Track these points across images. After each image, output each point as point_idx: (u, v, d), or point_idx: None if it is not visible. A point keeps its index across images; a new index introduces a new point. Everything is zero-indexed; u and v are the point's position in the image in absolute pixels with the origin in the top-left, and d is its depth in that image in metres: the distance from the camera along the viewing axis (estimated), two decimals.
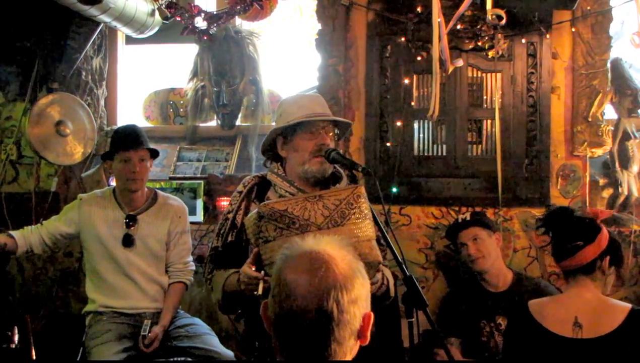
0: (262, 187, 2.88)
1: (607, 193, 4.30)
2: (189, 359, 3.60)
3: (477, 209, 3.89)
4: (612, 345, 2.51)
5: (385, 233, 2.48)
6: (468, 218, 3.73)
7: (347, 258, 1.56)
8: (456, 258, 4.06)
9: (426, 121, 4.35)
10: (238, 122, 5.01)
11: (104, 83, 5.23)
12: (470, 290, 3.77)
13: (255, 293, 2.46)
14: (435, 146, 4.39)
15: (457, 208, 4.33)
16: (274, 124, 4.66)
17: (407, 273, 2.28)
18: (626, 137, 4.23)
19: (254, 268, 2.52)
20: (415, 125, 4.39)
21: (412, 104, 4.37)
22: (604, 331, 2.54)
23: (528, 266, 4.21)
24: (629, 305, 2.61)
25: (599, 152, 4.27)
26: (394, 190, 4.27)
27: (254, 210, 2.59)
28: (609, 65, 4.23)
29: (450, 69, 3.90)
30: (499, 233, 3.77)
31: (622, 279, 3.91)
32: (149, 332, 3.61)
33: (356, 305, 1.51)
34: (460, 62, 3.97)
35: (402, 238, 4.02)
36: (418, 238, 4.33)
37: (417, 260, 4.30)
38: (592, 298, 2.64)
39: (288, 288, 1.50)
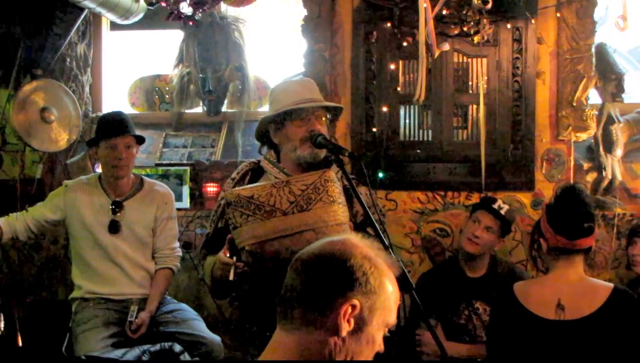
0: (255, 173, 2.90)
1: (591, 177, 4.30)
2: (176, 344, 3.57)
3: (507, 206, 3.80)
4: (595, 325, 2.56)
5: (372, 218, 2.45)
6: (504, 212, 3.69)
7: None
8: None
9: (412, 106, 4.34)
10: (224, 109, 5.00)
11: (89, 69, 5.19)
12: (450, 272, 3.79)
13: (230, 278, 2.51)
14: (421, 131, 4.37)
15: (442, 193, 4.34)
16: (260, 110, 4.87)
17: (394, 257, 2.26)
18: (610, 121, 4.20)
19: (228, 254, 2.56)
20: (401, 111, 4.38)
21: (398, 89, 4.35)
22: (586, 312, 2.59)
23: (513, 249, 4.23)
24: (611, 285, 2.66)
25: (583, 136, 4.26)
26: (380, 175, 4.27)
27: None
28: (593, 50, 4.21)
29: (437, 53, 3.88)
30: (503, 241, 3.77)
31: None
32: (136, 317, 3.61)
33: None
34: (446, 47, 3.96)
35: (388, 223, 3.86)
36: (404, 223, 4.33)
37: (403, 245, 4.31)
38: (576, 279, 2.68)
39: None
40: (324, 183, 2.57)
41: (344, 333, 1.48)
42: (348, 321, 1.48)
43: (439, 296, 3.64)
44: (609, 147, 4.23)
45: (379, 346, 1.55)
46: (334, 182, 2.61)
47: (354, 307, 1.48)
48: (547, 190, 4.23)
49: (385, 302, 1.53)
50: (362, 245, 1.56)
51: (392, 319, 1.57)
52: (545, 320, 2.61)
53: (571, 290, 2.64)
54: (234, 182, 2.87)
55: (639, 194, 4.31)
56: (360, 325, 1.50)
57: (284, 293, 1.54)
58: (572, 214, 2.70)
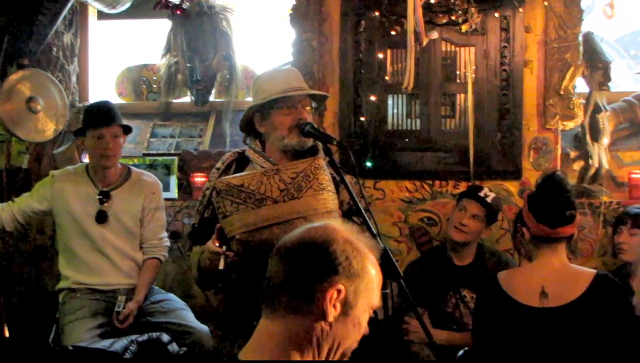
0: (240, 163, 2.88)
1: (577, 165, 4.31)
2: (164, 334, 3.56)
3: (493, 195, 3.80)
4: (578, 311, 2.57)
5: (360, 206, 2.46)
6: (490, 200, 3.70)
7: None
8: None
9: (400, 96, 4.34)
10: (212, 98, 4.99)
11: (76, 59, 5.17)
12: (438, 261, 3.81)
13: (220, 268, 2.48)
14: (409, 120, 4.37)
15: (430, 182, 4.34)
16: (248, 99, 4.83)
17: (382, 245, 2.24)
18: (597, 109, 4.23)
19: (217, 244, 2.54)
20: (389, 100, 4.37)
21: (386, 78, 4.34)
22: (569, 298, 2.60)
23: (500, 238, 4.22)
24: (593, 271, 2.69)
25: (570, 124, 4.27)
26: (368, 164, 4.26)
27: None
28: (580, 38, 4.22)
29: (425, 42, 3.88)
30: (490, 229, 3.79)
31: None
32: (123, 308, 3.60)
33: None
34: (434, 35, 3.98)
35: (376, 212, 3.86)
36: (392, 212, 4.33)
37: (390, 234, 4.31)
38: (559, 267, 2.71)
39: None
40: (314, 171, 2.56)
41: (330, 318, 1.49)
42: (334, 306, 1.49)
43: (426, 284, 3.64)
44: (596, 136, 4.25)
45: (365, 328, 1.57)
46: (324, 169, 2.60)
47: (339, 291, 1.50)
48: (534, 179, 4.06)
49: (368, 284, 1.55)
50: (342, 230, 1.58)
51: (376, 301, 1.58)
52: (529, 307, 2.63)
53: (554, 277, 2.66)
54: (219, 172, 2.85)
55: (625, 182, 4.33)
56: (346, 309, 1.51)
57: (268, 282, 1.55)
58: (552, 202, 2.72)
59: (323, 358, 1.53)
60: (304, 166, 2.58)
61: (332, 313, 1.50)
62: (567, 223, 2.72)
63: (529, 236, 2.78)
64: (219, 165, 2.90)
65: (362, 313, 1.55)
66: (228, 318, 2.77)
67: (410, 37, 3.72)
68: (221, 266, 2.49)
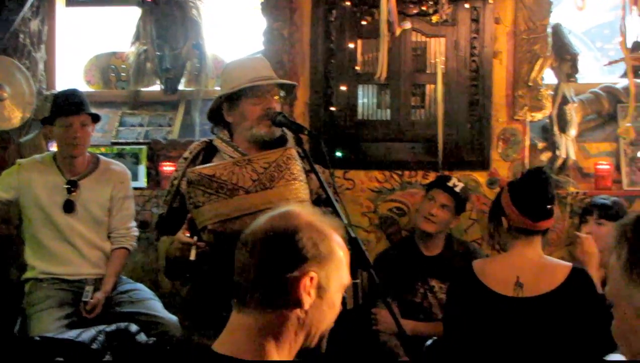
0: (208, 152, 2.87)
1: (545, 156, 4.33)
2: (132, 324, 3.55)
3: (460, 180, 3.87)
4: (553, 303, 2.60)
5: (331, 196, 2.45)
6: (458, 189, 3.73)
7: None
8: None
9: (370, 86, 4.33)
10: (181, 87, 4.95)
11: (43, 46, 5.07)
12: (407, 251, 3.81)
13: (189, 258, 2.49)
14: (379, 111, 4.36)
15: (400, 172, 4.33)
16: (217, 88, 4.61)
17: (353, 235, 2.28)
18: (565, 101, 4.25)
19: (188, 234, 2.54)
20: (360, 90, 4.36)
21: (357, 68, 4.32)
22: (545, 289, 2.63)
23: (468, 228, 4.25)
24: (569, 264, 2.72)
25: (538, 116, 4.27)
26: (338, 154, 4.26)
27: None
28: (549, 30, 4.23)
29: (398, 32, 3.89)
30: (458, 219, 3.82)
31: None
32: (91, 298, 3.59)
33: None
34: (408, 25, 4.00)
35: (345, 202, 3.88)
36: (361, 202, 4.33)
37: (360, 224, 4.29)
38: (535, 258, 2.73)
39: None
40: (286, 161, 2.57)
41: (306, 306, 1.49)
42: (309, 293, 1.49)
43: (395, 274, 3.66)
44: (564, 127, 4.27)
45: (339, 307, 1.59)
46: (296, 159, 2.61)
47: (312, 278, 1.50)
48: (502, 169, 4.26)
49: (338, 264, 1.56)
50: (304, 214, 1.57)
51: (346, 279, 1.59)
52: (504, 296, 2.65)
53: (530, 268, 2.68)
54: (186, 162, 2.84)
55: (591, 173, 4.35)
56: (320, 293, 1.52)
57: (238, 276, 1.54)
58: (538, 197, 2.74)
59: (299, 345, 1.53)
60: (276, 156, 2.59)
61: (308, 300, 1.50)
62: (548, 217, 2.75)
63: (507, 226, 2.78)
64: (186, 154, 2.88)
65: (336, 293, 1.56)
66: (197, 308, 2.77)
67: (383, 27, 3.72)
68: (192, 257, 2.49)
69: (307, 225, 1.54)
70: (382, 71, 3.87)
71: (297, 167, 2.60)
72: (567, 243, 4.14)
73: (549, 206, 2.74)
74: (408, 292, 3.70)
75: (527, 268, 2.68)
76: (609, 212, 3.61)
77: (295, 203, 2.46)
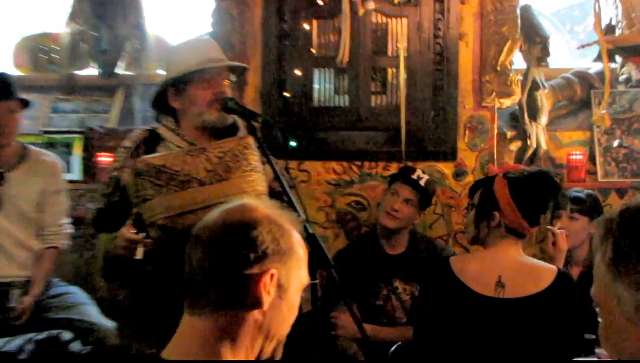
0: (151, 141, 2.81)
1: (515, 146, 4.33)
2: (65, 332, 3.42)
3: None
4: (536, 307, 2.58)
5: (287, 190, 2.46)
6: (423, 182, 3.67)
7: None
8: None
9: (327, 70, 4.29)
10: (120, 71, 4.87)
11: None
12: (367, 249, 3.77)
13: (134, 257, 2.45)
14: (336, 97, 4.32)
15: (359, 163, 4.28)
16: (160, 72, 4.67)
17: (310, 231, 2.24)
18: (535, 86, 4.26)
19: (133, 231, 2.50)
20: (316, 74, 4.31)
21: (313, 51, 4.27)
22: (528, 292, 2.60)
23: (433, 224, 4.23)
24: (554, 267, 2.69)
25: (507, 102, 4.26)
26: (292, 143, 3.98)
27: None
28: (518, 11, 4.21)
29: (362, 12, 3.87)
30: (423, 214, 3.78)
31: None
32: (18, 303, 3.48)
33: None
34: (371, 4, 4.00)
35: (301, 196, 3.90)
36: (317, 196, 4.27)
37: (316, 219, 4.22)
38: (518, 258, 2.71)
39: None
40: (243, 151, 2.54)
41: (266, 306, 1.48)
42: (268, 292, 1.48)
43: (355, 275, 3.61)
44: (534, 114, 4.28)
45: (297, 310, 1.59)
46: (253, 149, 2.58)
47: (272, 275, 1.48)
48: (469, 160, 4.24)
49: (298, 262, 1.55)
50: (262, 207, 1.56)
51: (306, 278, 1.60)
52: (483, 297, 2.62)
53: (513, 268, 2.66)
54: (128, 151, 2.79)
55: (564, 164, 4.37)
56: (280, 293, 1.51)
57: (190, 275, 1.51)
58: (544, 204, 2.75)
59: (257, 350, 1.52)
60: (231, 145, 2.56)
61: (267, 300, 1.48)
62: (539, 224, 2.78)
63: (497, 222, 2.70)
64: (127, 143, 2.82)
65: (295, 294, 1.56)
66: (138, 313, 2.75)
67: (346, 7, 3.70)
68: (139, 255, 2.45)
69: (266, 219, 1.52)
70: (344, 53, 3.85)
71: (255, 157, 2.56)
72: (538, 240, 4.15)
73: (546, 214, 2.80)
74: (369, 293, 3.66)
75: (510, 268, 2.66)
76: (583, 206, 3.62)
77: (253, 196, 2.42)
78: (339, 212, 4.30)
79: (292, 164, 4.23)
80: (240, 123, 2.82)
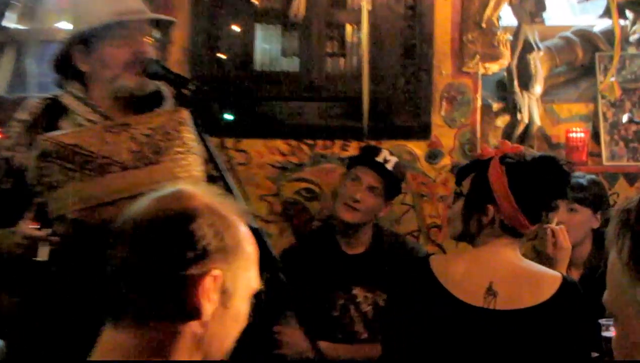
0: (53, 113, 2.68)
1: (502, 121, 4.14)
2: None
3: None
4: (534, 321, 2.46)
5: (226, 175, 2.41)
6: (391, 166, 3.50)
7: None
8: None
9: (273, 26, 4.11)
10: (10, 24, 4.50)
11: None
12: (321, 248, 3.61)
13: (36, 258, 2.34)
14: (284, 59, 4.14)
15: (311, 142, 4.08)
16: (62, 26, 4.30)
17: (254, 225, 2.00)
18: (528, 48, 4.07)
19: (35, 226, 2.39)
20: (258, 32, 4.10)
21: (255, 2, 4.04)
22: (526, 303, 2.47)
23: (403, 216, 4.03)
24: (558, 274, 2.56)
25: (494, 67, 4.06)
26: (228, 117, 3.95)
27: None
28: None
29: None
30: (391, 205, 3.65)
31: None
32: None
33: None
34: None
35: (239, 182, 3.92)
36: (259, 182, 4.06)
37: (257, 211, 3.99)
38: (514, 261, 2.56)
39: None
40: (176, 127, 2.45)
41: (207, 316, 1.40)
42: (210, 299, 1.41)
43: (305, 280, 3.42)
44: (526, 82, 4.08)
45: (245, 321, 1.54)
46: (189, 125, 2.49)
47: (215, 278, 1.41)
48: (446, 138, 4.04)
49: (246, 262, 1.49)
50: (201, 195, 1.49)
51: (255, 283, 1.54)
52: (470, 306, 2.46)
53: (507, 274, 2.50)
54: (24, 126, 2.63)
55: (561, 143, 4.16)
56: (224, 300, 1.44)
57: (112, 280, 1.44)
58: (549, 197, 2.62)
59: None
60: (162, 120, 2.47)
61: (209, 308, 1.40)
62: (541, 221, 2.69)
63: (490, 218, 2.53)
64: (23, 116, 2.67)
65: (242, 302, 1.50)
66: (35, 328, 2.55)
67: None
68: (42, 256, 2.33)
69: (207, 209, 1.45)
70: (299, 6, 3.78)
71: (191, 135, 2.48)
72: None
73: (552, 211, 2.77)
74: (323, 303, 3.49)
75: (504, 273, 2.49)
76: (584, 196, 3.41)
77: (189, 182, 2.22)
78: (285, 202, 4.12)
79: (228, 143, 4.05)
80: (167, 91, 2.70)
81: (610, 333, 2.26)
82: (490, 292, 2.46)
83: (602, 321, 2.35)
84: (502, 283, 2.47)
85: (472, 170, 2.62)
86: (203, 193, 1.50)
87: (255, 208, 3.99)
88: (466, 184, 2.60)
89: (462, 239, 2.64)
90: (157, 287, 1.40)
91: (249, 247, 1.51)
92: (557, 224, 3.28)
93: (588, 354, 2.54)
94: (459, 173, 2.71)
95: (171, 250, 1.40)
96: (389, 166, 3.48)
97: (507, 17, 4.18)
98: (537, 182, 2.54)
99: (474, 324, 2.46)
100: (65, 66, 2.69)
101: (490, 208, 2.51)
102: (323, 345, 3.30)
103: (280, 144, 4.09)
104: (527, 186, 2.52)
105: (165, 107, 2.67)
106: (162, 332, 1.39)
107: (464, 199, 2.60)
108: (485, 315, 2.45)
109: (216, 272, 1.40)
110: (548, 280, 2.51)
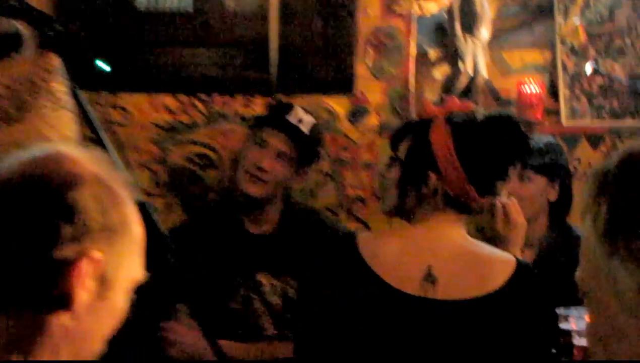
0: None
1: (440, 72, 3.94)
2: None
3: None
4: (483, 314, 2.33)
5: (103, 136, 2.38)
6: (306, 128, 3.37)
7: None
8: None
9: None
10: None
11: None
12: (218, 226, 3.41)
13: None
14: None
15: (206, 98, 3.82)
16: None
17: (139, 199, 1.85)
18: None
19: None
20: None
21: None
22: (472, 293, 2.33)
23: (319, 188, 3.84)
24: (511, 258, 2.43)
25: (431, 7, 3.87)
26: (103, 66, 3.37)
27: None
28: None
29: None
30: (305, 175, 3.53)
31: None
32: None
33: None
34: None
35: (115, 146, 3.49)
36: (141, 146, 3.79)
37: (139, 181, 3.75)
38: (459, 241, 2.43)
39: None
40: (44, 76, 2.38)
41: (79, 306, 1.27)
42: (85, 286, 1.28)
43: (198, 264, 3.19)
44: (470, 25, 3.86)
45: (122, 317, 1.42)
46: (59, 74, 2.42)
47: (94, 261, 1.28)
48: (372, 93, 3.83)
49: (132, 245, 1.37)
50: (85, 161, 1.36)
51: (140, 271, 1.42)
52: (404, 294, 2.32)
53: (451, 257, 2.37)
54: None
55: (512, 100, 3.94)
56: (102, 290, 1.31)
57: None
58: (504, 164, 2.50)
59: None
60: (26, 68, 2.39)
61: (82, 298, 1.27)
62: (494, 193, 2.58)
63: (432, 189, 2.38)
64: None
65: (122, 294, 1.37)
66: None
67: None
68: None
69: (92, 177, 1.31)
70: None
71: (62, 87, 2.40)
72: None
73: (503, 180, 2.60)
74: (220, 293, 3.31)
75: (446, 256, 2.36)
76: (540, 161, 3.22)
77: (62, 144, 2.08)
78: (173, 170, 3.87)
79: (103, 98, 3.76)
80: (26, 33, 2.50)
81: (569, 325, 2.43)
82: (429, 277, 2.33)
83: (560, 310, 2.38)
84: (443, 268, 2.35)
85: (411, 132, 2.48)
86: (88, 159, 1.39)
87: (136, 177, 3.74)
88: (403, 149, 2.46)
89: (396, 214, 2.47)
90: (17, 269, 1.28)
91: (137, 229, 1.43)
92: (508, 196, 2.99)
93: (547, 352, 2.43)
94: (395, 135, 2.56)
95: (39, 223, 1.28)
96: (304, 128, 3.33)
97: None
98: (490, 146, 2.40)
99: (408, 316, 2.33)
100: None
101: (432, 176, 2.36)
102: (221, 344, 2.97)
103: (167, 99, 3.83)
104: (478, 151, 2.38)
105: (24, 53, 2.44)
106: (22, 324, 1.28)
107: (400, 166, 2.44)
108: (423, 305, 2.32)
109: (96, 254, 1.30)
110: (499, 264, 2.38)
